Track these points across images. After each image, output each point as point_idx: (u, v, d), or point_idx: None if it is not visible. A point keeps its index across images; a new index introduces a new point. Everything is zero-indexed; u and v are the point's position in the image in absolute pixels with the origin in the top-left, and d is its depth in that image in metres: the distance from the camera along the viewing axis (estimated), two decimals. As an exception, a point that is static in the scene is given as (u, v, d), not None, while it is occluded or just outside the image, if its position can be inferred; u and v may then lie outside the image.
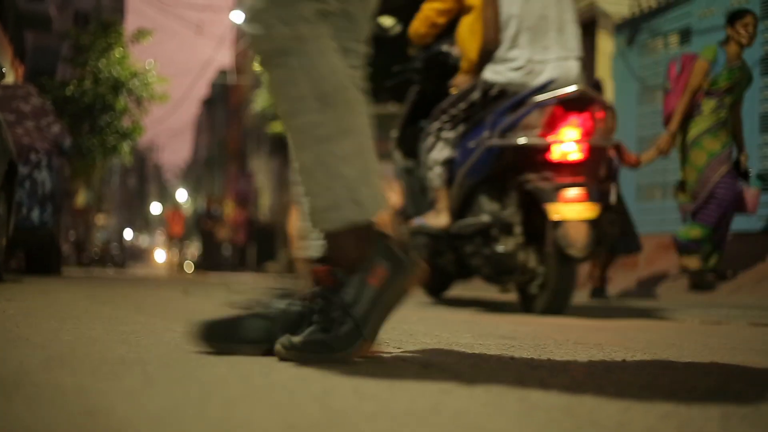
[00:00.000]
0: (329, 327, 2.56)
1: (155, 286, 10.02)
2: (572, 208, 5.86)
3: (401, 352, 2.94)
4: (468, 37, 6.80)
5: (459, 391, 2.06)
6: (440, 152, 6.75)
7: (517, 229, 6.12)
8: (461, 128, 6.69)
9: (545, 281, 6.07)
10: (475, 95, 6.51)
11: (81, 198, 40.78)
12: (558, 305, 6.02)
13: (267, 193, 35.85)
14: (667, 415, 1.84)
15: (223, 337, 2.70)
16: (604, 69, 14.05)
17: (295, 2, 2.58)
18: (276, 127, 26.01)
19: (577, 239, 5.82)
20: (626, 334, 4.25)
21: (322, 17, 2.62)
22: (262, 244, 39.40)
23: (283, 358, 2.57)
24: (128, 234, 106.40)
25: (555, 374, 2.47)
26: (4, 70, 7.59)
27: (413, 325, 4.28)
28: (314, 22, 2.60)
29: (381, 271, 2.59)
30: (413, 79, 7.72)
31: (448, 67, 7.26)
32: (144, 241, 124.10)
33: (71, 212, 13.97)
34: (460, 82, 6.83)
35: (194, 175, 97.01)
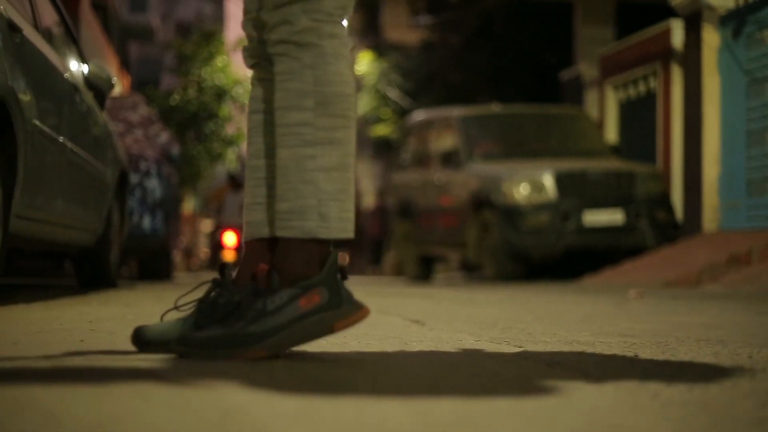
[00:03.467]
0: (234, 323, 2.50)
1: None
2: (229, 254, 19.68)
3: (523, 350, 2.93)
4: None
5: (588, 389, 2.04)
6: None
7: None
8: None
9: None
10: None
11: (188, 205, 41.25)
12: None
13: (371, 196, 35.94)
14: (806, 410, 1.80)
15: (134, 340, 2.70)
16: (709, 63, 13.83)
17: None
18: (379, 130, 26.08)
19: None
20: (746, 330, 4.17)
21: (345, 14, 2.61)
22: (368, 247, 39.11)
23: (181, 355, 2.51)
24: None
25: (682, 371, 2.44)
26: (113, 81, 7.71)
27: (530, 324, 4.26)
28: (337, 19, 2.58)
29: (316, 298, 2.49)
30: None
31: None
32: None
33: (180, 219, 14.39)
34: None
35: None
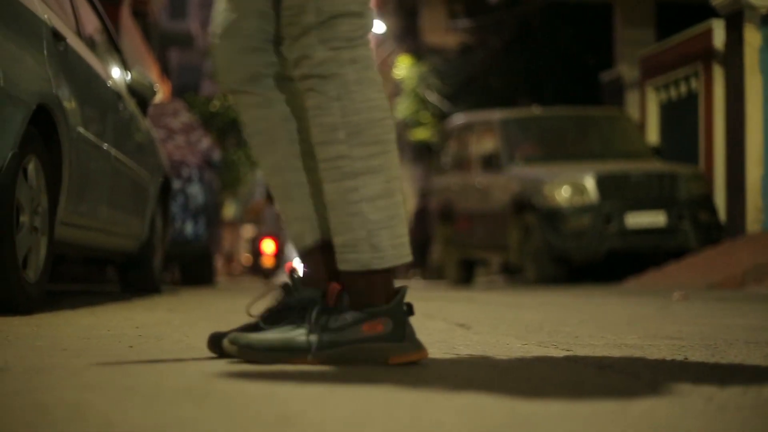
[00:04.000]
0: (292, 330, 2.50)
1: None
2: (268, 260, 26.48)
3: (572, 354, 2.91)
4: None
5: (642, 393, 2.03)
6: None
7: None
8: None
9: None
10: None
11: (229, 210, 41.37)
12: None
13: (411, 199, 35.98)
14: None
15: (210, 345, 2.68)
16: (751, 62, 13.71)
17: (337, 21, 2.52)
18: (419, 134, 26.07)
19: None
20: (795, 332, 4.13)
21: (365, 33, 2.57)
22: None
23: (232, 356, 2.52)
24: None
25: (734, 374, 2.42)
26: (156, 88, 7.75)
27: (576, 327, 4.24)
28: (357, 43, 2.55)
29: (379, 327, 2.48)
30: None
31: None
32: (290, 251, 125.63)
33: (221, 225, 14.24)
34: None
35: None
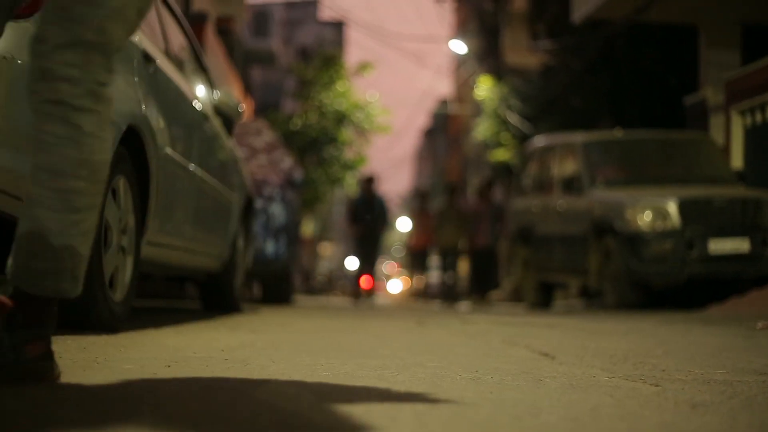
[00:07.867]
0: None
1: (385, 316, 10.08)
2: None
3: (661, 389, 2.87)
4: None
5: (738, 436, 2.00)
6: None
7: None
8: None
9: None
10: None
11: (307, 228, 41.46)
12: None
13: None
14: None
15: None
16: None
17: None
18: (499, 155, 25.99)
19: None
20: None
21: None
22: (480, 270, 37.75)
23: None
24: (349, 263, 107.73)
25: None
26: (241, 108, 7.82)
27: (662, 359, 4.18)
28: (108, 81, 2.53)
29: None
30: None
31: None
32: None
33: (301, 243, 14.06)
34: None
35: (417, 203, 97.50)
